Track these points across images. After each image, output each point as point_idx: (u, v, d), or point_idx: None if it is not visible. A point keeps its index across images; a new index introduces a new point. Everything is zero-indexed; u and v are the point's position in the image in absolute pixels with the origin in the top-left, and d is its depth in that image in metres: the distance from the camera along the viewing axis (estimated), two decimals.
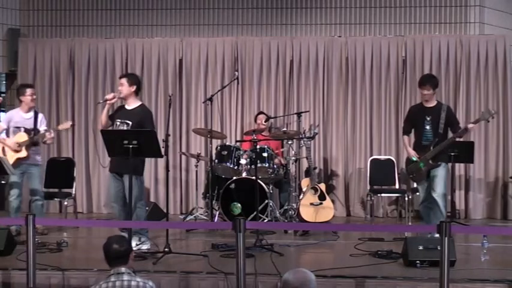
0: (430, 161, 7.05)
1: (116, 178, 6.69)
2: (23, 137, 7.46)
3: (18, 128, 7.54)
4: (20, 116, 7.60)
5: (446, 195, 7.27)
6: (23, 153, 7.42)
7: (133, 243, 6.28)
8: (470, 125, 7.12)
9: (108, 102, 6.71)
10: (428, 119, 7.12)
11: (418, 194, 7.47)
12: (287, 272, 3.69)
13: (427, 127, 7.13)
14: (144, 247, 6.56)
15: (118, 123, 6.67)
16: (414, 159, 7.14)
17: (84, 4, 9.98)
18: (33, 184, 7.62)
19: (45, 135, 7.46)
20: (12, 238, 6.57)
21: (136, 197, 6.50)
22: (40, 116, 7.69)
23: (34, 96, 7.68)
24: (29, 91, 7.63)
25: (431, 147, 7.04)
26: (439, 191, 7.04)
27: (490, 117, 7.09)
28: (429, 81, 7.19)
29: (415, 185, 7.47)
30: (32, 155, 7.53)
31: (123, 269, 4.06)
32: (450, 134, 7.21)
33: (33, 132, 7.50)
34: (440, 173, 7.08)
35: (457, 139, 7.26)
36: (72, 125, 7.61)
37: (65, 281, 5.63)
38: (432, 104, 7.19)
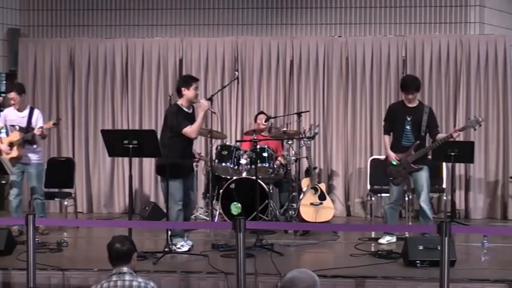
0: (412, 165, 6.86)
1: (182, 181, 6.61)
2: (16, 135, 7.42)
3: (14, 126, 7.49)
4: (15, 114, 7.54)
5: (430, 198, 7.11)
6: (14, 153, 7.34)
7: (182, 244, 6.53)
8: (455, 134, 6.83)
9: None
10: (409, 119, 6.91)
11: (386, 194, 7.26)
12: (294, 270, 3.46)
13: (408, 127, 6.92)
14: (185, 248, 6.57)
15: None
16: (394, 163, 6.92)
17: (84, 4, 9.97)
18: (32, 183, 7.59)
19: (34, 133, 7.36)
20: (12, 238, 6.57)
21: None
22: (36, 112, 7.57)
23: (12, 102, 7.52)
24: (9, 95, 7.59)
25: (413, 151, 6.84)
26: (423, 197, 6.88)
27: (477, 125, 6.89)
28: (413, 84, 6.94)
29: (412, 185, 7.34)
30: (28, 154, 7.46)
31: (125, 269, 4.05)
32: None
33: (26, 130, 7.42)
34: (423, 177, 6.89)
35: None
36: (55, 124, 7.51)
37: (65, 281, 5.64)
38: (414, 104, 6.98)
